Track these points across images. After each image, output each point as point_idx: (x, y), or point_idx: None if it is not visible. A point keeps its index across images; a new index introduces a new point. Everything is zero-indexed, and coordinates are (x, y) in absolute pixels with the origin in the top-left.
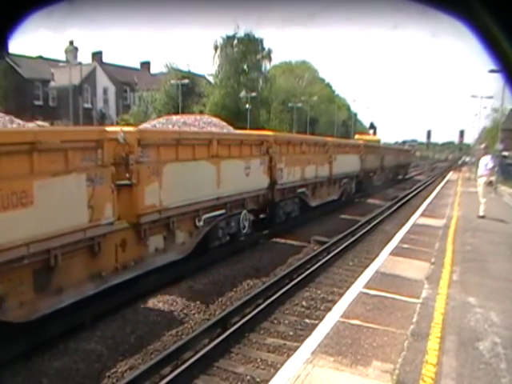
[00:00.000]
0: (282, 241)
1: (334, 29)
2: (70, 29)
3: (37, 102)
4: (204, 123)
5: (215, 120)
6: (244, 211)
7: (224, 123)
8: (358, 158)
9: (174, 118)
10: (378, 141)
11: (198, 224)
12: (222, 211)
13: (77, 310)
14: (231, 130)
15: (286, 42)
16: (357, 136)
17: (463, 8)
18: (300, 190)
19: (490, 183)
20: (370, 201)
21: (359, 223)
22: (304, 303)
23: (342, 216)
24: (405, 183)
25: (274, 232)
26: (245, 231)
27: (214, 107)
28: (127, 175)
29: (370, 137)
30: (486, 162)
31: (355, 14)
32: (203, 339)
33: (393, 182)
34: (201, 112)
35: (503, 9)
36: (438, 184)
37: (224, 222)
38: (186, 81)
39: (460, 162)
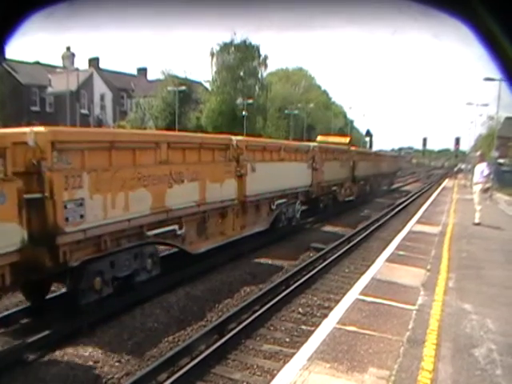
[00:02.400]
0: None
1: (330, 35)
2: (67, 33)
3: (34, 108)
4: None
5: None
6: None
7: None
8: (305, 167)
9: None
10: (349, 143)
11: None
12: None
13: (74, 315)
14: None
15: (283, 46)
16: (319, 138)
17: (464, 8)
18: (155, 232)
19: (485, 190)
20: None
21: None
22: (300, 310)
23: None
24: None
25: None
26: None
27: (210, 114)
28: None
29: (337, 138)
30: (482, 169)
31: (353, 19)
32: (200, 345)
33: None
34: (197, 118)
35: (504, 9)
36: (434, 191)
37: None
38: (183, 87)
39: (456, 169)
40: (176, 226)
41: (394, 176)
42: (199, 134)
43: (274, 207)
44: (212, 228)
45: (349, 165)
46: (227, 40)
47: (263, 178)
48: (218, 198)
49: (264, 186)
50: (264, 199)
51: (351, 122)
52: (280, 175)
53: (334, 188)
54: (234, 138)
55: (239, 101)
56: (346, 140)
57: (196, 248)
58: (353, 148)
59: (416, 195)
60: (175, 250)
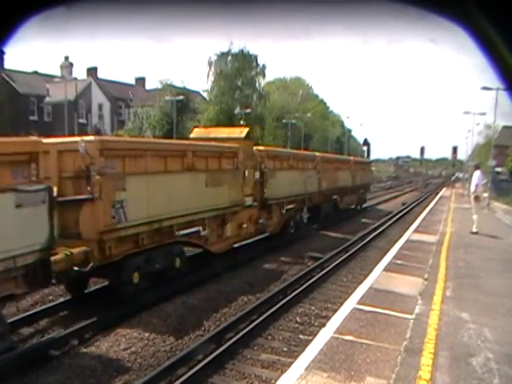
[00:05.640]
0: None
1: (328, 45)
2: (65, 43)
3: (32, 118)
4: None
5: None
6: None
7: None
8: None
9: None
10: (246, 137)
11: None
12: None
13: (72, 325)
14: None
15: (281, 56)
16: (196, 131)
17: (463, 14)
18: None
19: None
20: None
21: None
22: (298, 319)
23: None
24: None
25: None
26: None
27: (208, 123)
28: None
29: (226, 131)
30: (477, 178)
31: (351, 27)
32: (197, 355)
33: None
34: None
35: (503, 15)
36: (432, 200)
37: None
38: (181, 97)
39: (453, 179)
40: None
41: (366, 191)
42: None
43: None
44: None
45: (245, 178)
46: (225, 49)
47: None
48: None
49: None
50: None
51: (349, 131)
52: None
53: (187, 231)
54: None
55: (237, 110)
56: (241, 134)
57: None
58: (261, 148)
59: (411, 206)
60: None
